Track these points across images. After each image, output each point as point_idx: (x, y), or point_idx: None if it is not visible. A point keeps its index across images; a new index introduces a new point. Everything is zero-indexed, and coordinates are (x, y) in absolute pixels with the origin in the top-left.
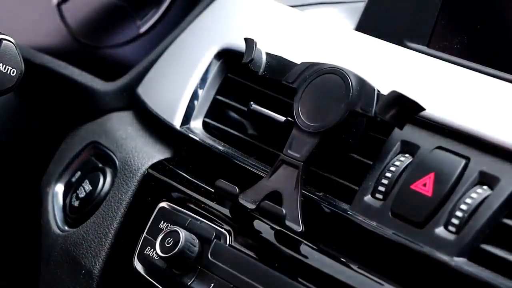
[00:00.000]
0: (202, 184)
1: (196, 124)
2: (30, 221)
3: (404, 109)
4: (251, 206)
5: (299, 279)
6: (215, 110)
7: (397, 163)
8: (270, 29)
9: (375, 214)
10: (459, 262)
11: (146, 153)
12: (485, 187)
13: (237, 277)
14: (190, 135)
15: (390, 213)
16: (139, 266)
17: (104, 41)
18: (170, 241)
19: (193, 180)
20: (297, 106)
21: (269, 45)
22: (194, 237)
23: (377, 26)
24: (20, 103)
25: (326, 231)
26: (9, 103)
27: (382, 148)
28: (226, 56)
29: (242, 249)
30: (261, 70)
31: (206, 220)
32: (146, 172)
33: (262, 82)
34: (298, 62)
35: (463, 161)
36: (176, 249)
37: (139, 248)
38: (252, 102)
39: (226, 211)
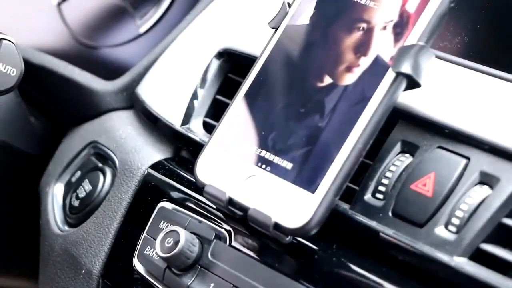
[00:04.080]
0: None
1: (196, 124)
2: (30, 221)
3: None
4: (239, 213)
5: (299, 279)
6: (215, 110)
7: (397, 163)
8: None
9: (375, 214)
10: (459, 262)
11: (146, 152)
12: (485, 187)
13: (237, 277)
14: (190, 135)
15: (390, 213)
16: (139, 266)
17: (104, 41)
18: (170, 241)
19: (193, 180)
20: None
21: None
22: (194, 237)
23: None
24: (20, 103)
25: (326, 231)
26: (9, 103)
27: (382, 148)
28: (226, 56)
29: (242, 249)
30: None
31: (206, 220)
32: (146, 172)
33: None
34: None
35: (463, 161)
36: (176, 249)
37: (139, 248)
38: None
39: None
